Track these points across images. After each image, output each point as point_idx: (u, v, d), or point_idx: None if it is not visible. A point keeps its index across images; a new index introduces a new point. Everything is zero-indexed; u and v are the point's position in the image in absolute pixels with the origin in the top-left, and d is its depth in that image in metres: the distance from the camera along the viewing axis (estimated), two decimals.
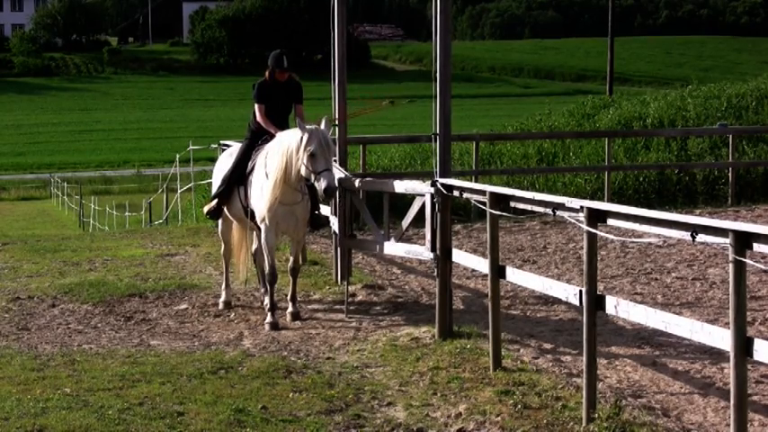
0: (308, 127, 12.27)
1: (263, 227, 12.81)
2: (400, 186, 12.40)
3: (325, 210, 14.19)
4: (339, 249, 14.37)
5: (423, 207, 11.80)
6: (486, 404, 9.15)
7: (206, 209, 14.00)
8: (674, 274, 14.86)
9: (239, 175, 13.24)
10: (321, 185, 12.11)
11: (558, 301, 11.40)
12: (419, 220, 12.33)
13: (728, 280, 7.08)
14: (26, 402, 9.42)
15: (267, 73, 13.40)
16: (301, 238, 13.49)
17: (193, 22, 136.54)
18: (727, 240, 6.99)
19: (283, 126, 13.28)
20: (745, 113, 25.51)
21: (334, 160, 13.47)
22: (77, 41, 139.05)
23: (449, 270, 11.66)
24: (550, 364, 10.39)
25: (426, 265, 14.96)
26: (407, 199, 12.50)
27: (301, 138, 12.24)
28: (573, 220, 8.94)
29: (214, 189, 13.93)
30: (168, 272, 16.27)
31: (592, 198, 19.81)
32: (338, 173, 13.48)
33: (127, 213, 40.33)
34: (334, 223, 14.08)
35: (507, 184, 20.53)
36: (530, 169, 22.85)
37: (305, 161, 12.19)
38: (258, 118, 13.34)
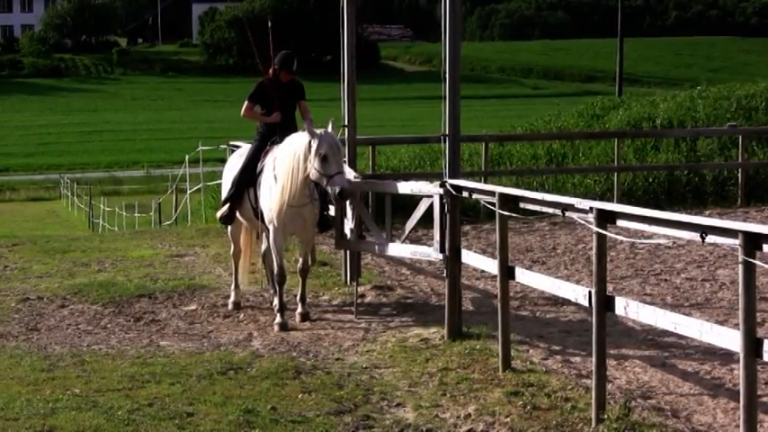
0: (317, 131, 12.27)
1: (271, 228, 12.82)
2: (406, 187, 12.40)
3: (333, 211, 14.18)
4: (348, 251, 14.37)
5: (430, 208, 11.80)
6: (495, 405, 9.15)
7: (218, 214, 13.98)
8: (683, 275, 14.85)
9: (249, 177, 13.24)
10: (335, 189, 12.11)
11: (567, 302, 11.39)
12: (425, 221, 12.33)
13: (738, 281, 7.07)
14: (36, 402, 9.44)
15: (271, 71, 13.40)
16: (310, 240, 13.49)
17: (203, 23, 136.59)
18: (737, 241, 6.98)
19: (291, 125, 13.30)
20: (755, 114, 25.44)
21: (344, 161, 13.48)
22: (87, 42, 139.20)
23: (458, 271, 11.66)
24: (560, 364, 10.39)
25: (435, 265, 14.96)
26: (417, 199, 12.50)
27: (310, 142, 12.23)
28: (582, 221, 8.94)
29: (224, 192, 13.91)
30: (177, 272, 16.29)
31: (601, 199, 19.76)
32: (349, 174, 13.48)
33: (136, 214, 40.38)
34: (346, 225, 14.09)
35: (516, 185, 20.49)
36: (539, 170, 22.83)
37: (317, 165, 12.18)
38: (242, 112, 13.57)
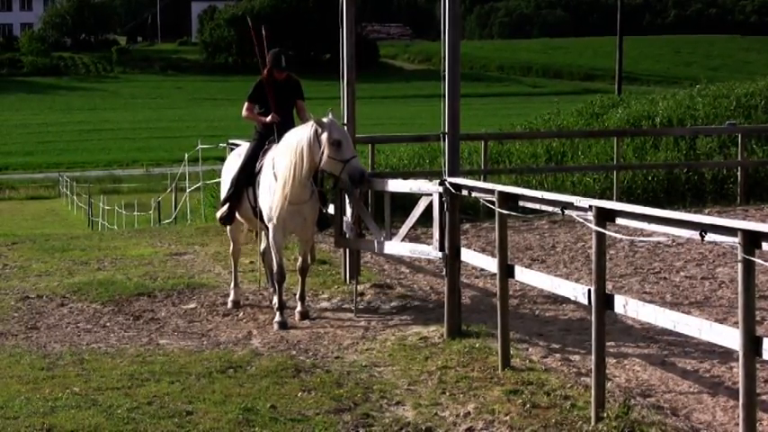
0: (324, 120, 12.28)
1: (270, 226, 12.80)
2: (405, 186, 12.39)
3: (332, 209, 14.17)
4: (347, 249, 14.37)
5: (429, 206, 11.80)
6: (494, 403, 9.15)
7: (218, 214, 13.96)
8: (682, 274, 14.84)
9: (248, 176, 13.23)
10: (356, 172, 12.13)
11: (566, 300, 11.38)
12: (424, 219, 12.32)
13: (737, 279, 7.07)
14: (35, 401, 9.44)
15: (266, 71, 13.40)
16: (309, 238, 13.46)
17: (202, 22, 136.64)
18: (736, 239, 6.98)
19: (288, 122, 13.28)
20: (754, 112, 25.45)
21: None
22: (86, 41, 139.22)
23: (457, 269, 11.66)
24: (559, 363, 10.39)
25: (435, 264, 14.96)
26: (416, 197, 12.50)
27: (317, 131, 12.23)
28: (582, 220, 8.93)
29: (223, 192, 13.90)
30: (177, 271, 16.28)
31: (601, 197, 19.77)
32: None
33: (136, 212, 40.39)
34: (346, 222, 14.09)
35: (516, 184, 20.50)
36: (538, 168, 22.83)
37: (331, 153, 12.16)
38: (243, 113, 13.54)
